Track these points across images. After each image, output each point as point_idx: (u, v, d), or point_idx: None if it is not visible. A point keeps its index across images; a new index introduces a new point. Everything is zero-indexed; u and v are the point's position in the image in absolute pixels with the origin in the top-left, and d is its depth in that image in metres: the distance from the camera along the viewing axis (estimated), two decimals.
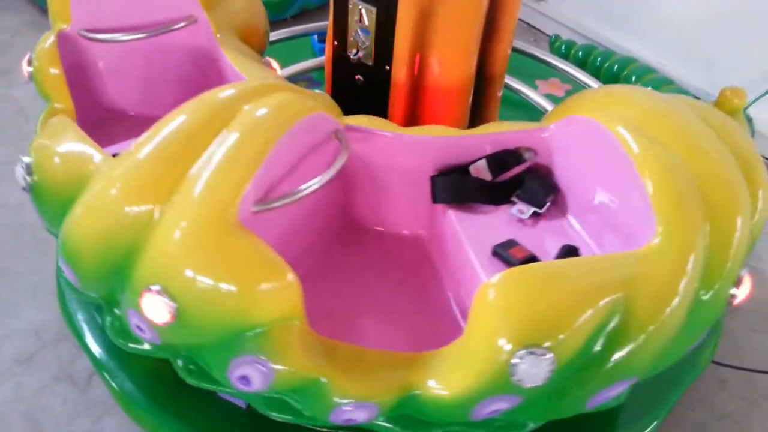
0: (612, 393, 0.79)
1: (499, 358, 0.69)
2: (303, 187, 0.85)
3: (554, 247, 0.92)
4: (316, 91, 1.07)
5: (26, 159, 0.88)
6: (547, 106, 1.52)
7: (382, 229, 1.06)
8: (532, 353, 0.67)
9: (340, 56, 1.09)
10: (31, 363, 1.26)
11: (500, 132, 0.98)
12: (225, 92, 0.87)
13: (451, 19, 0.98)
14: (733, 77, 1.86)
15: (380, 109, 1.11)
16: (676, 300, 0.73)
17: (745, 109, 1.75)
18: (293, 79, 1.62)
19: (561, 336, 0.68)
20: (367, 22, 1.01)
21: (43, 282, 1.37)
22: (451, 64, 1.04)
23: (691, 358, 1.10)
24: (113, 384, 1.06)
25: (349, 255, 1.02)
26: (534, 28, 2.42)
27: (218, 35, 1.14)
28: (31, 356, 1.27)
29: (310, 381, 0.75)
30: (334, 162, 0.91)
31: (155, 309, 0.72)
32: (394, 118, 1.11)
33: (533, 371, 0.68)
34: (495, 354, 0.69)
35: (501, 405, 0.74)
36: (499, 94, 1.23)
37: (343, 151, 0.93)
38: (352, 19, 1.03)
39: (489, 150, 0.98)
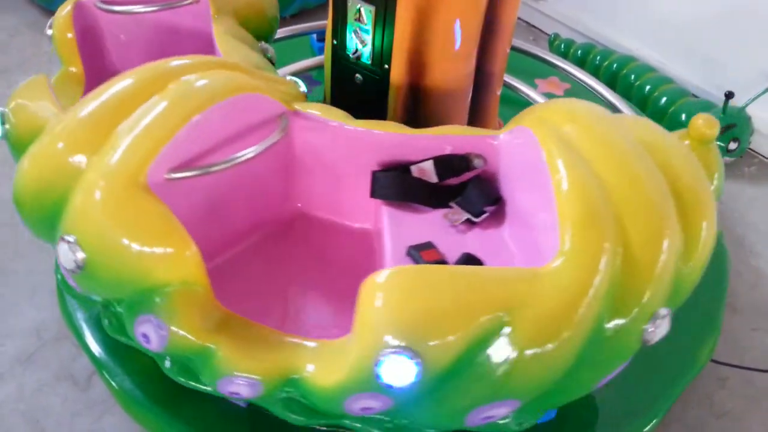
0: (495, 412, 0.76)
1: (366, 355, 0.68)
2: (220, 161, 0.87)
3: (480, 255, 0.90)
4: (290, 78, 1.07)
5: (2, 109, 0.96)
6: None
7: (335, 220, 1.06)
8: (398, 355, 0.66)
9: (339, 55, 1.10)
10: (32, 362, 1.26)
11: (452, 135, 0.96)
12: (175, 62, 0.92)
13: (450, 17, 0.98)
14: (733, 75, 1.86)
15: (379, 108, 1.11)
16: (567, 325, 0.69)
17: (744, 107, 1.75)
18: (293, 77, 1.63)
19: (432, 342, 0.67)
20: (365, 21, 1.01)
21: (43, 281, 1.37)
22: (449, 64, 1.04)
23: (689, 357, 1.10)
24: (113, 383, 1.07)
25: (293, 242, 1.03)
26: (533, 27, 2.42)
27: (216, 16, 1.16)
28: (31, 355, 1.27)
29: (201, 348, 0.77)
30: (278, 145, 0.93)
31: (68, 257, 0.77)
32: (394, 117, 1.11)
33: (398, 373, 0.67)
34: (363, 350, 0.69)
35: (371, 403, 0.74)
36: (498, 92, 1.24)
37: (276, 133, 0.93)
38: (351, 18, 1.03)
39: (437, 152, 0.97)
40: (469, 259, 0.88)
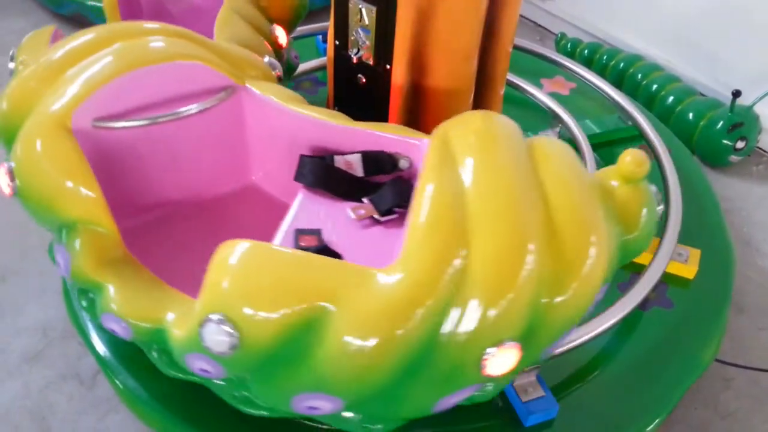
0: (319, 404, 0.76)
1: (197, 318, 0.71)
2: (146, 116, 0.96)
3: (362, 253, 0.88)
4: (267, 60, 1.09)
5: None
6: (551, 104, 1.52)
7: (278, 197, 1.10)
8: (219, 324, 0.69)
9: (341, 56, 1.10)
10: (38, 360, 1.28)
11: (382, 132, 0.96)
12: (133, 25, 1.00)
13: (451, 19, 0.98)
14: (739, 73, 1.85)
15: (381, 109, 1.11)
16: (389, 327, 0.68)
17: (752, 106, 1.74)
18: (298, 78, 1.63)
19: (250, 316, 0.69)
20: (367, 22, 1.02)
21: (50, 281, 1.39)
22: (451, 64, 1.05)
23: (692, 357, 1.09)
24: (117, 382, 1.07)
25: (236, 213, 1.07)
26: (540, 26, 2.41)
27: None
28: (38, 354, 1.29)
29: (94, 282, 0.86)
30: (225, 118, 0.99)
31: (4, 182, 0.91)
32: (395, 118, 1.11)
33: (216, 339, 0.70)
34: (197, 313, 0.72)
35: (205, 366, 0.76)
36: (501, 92, 1.23)
37: (209, 100, 0.98)
38: (353, 19, 1.03)
39: (370, 147, 0.97)
40: (324, 250, 0.87)
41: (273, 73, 1.06)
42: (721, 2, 1.86)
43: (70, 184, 0.87)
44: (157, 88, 0.95)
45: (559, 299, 0.73)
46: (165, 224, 1.07)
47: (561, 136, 1.50)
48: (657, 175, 1.34)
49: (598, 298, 0.79)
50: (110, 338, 1.11)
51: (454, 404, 0.82)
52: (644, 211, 0.79)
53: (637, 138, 1.49)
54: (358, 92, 1.13)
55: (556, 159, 0.79)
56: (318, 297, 0.69)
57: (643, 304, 1.15)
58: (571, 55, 2.14)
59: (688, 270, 1.21)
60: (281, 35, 1.27)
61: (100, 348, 1.11)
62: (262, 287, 0.70)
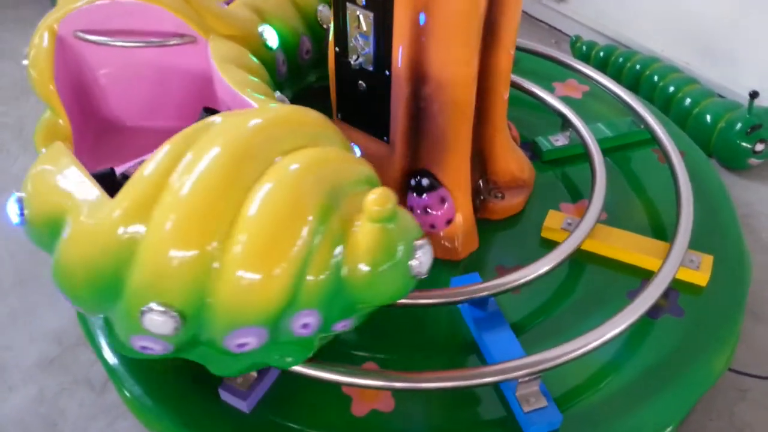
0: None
1: None
2: (125, 41, 1.11)
3: None
4: (263, 27, 1.18)
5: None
6: (561, 108, 1.50)
7: None
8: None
9: (341, 62, 1.10)
10: (53, 367, 1.30)
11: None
12: None
13: (447, 24, 0.98)
14: (759, 74, 1.80)
15: (383, 114, 1.11)
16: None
17: None
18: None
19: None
20: (365, 28, 1.02)
21: None
22: (450, 69, 1.04)
23: (703, 365, 1.06)
24: (125, 391, 1.09)
25: None
26: (555, 29, 2.39)
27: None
28: (52, 360, 1.31)
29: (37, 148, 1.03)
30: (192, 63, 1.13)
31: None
32: (397, 123, 1.10)
33: None
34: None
35: None
36: (506, 95, 1.22)
37: (164, 40, 1.12)
38: (351, 25, 1.03)
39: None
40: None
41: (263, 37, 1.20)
42: (739, 3, 1.82)
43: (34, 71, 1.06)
44: (132, 21, 1.10)
45: (219, 295, 0.74)
46: (119, 142, 1.20)
47: (571, 140, 1.48)
48: (669, 179, 1.31)
49: (297, 323, 0.77)
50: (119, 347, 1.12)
51: (143, 349, 0.81)
52: (379, 252, 0.75)
53: (650, 141, 1.46)
54: (360, 99, 1.13)
55: (284, 174, 0.76)
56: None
57: (653, 312, 1.12)
58: (586, 57, 2.12)
59: (700, 277, 1.17)
60: (270, 36, 1.24)
61: (109, 357, 1.13)
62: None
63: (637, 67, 1.97)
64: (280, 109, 0.87)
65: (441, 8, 0.96)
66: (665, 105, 1.86)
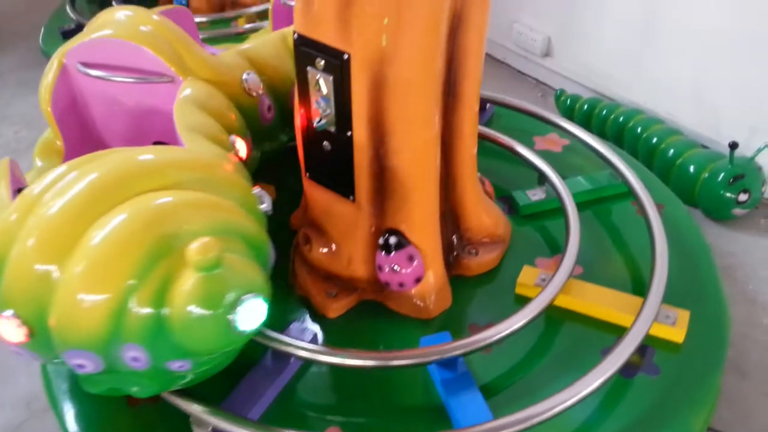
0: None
1: None
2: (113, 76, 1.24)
3: None
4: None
5: None
6: (538, 163, 1.49)
7: None
8: None
9: (306, 123, 1.11)
10: None
11: None
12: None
13: (404, 86, 0.99)
14: (742, 125, 1.80)
15: (348, 174, 1.11)
16: None
17: (754, 157, 1.69)
18: None
19: None
20: (325, 91, 1.03)
21: None
22: (411, 129, 1.04)
23: (679, 426, 1.02)
24: None
25: None
26: (541, 83, 2.42)
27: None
28: (18, 426, 1.29)
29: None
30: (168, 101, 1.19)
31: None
32: (361, 182, 1.11)
33: None
34: None
35: None
36: (473, 151, 1.22)
37: (148, 78, 1.23)
38: (312, 88, 1.05)
39: None
40: None
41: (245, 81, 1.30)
42: (721, 55, 1.84)
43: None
44: (122, 57, 1.22)
45: (54, 313, 0.80)
46: None
47: (549, 194, 1.48)
48: (645, 233, 1.29)
49: (127, 355, 0.81)
50: (82, 414, 1.10)
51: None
52: (194, 299, 0.77)
53: (629, 194, 1.45)
54: (326, 159, 1.13)
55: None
56: None
57: (628, 371, 1.09)
58: (570, 110, 2.14)
59: (676, 333, 1.14)
60: (241, 147, 1.24)
61: (71, 425, 1.10)
62: None
63: (621, 119, 1.98)
64: (173, 150, 0.97)
65: (398, 71, 0.97)
66: (649, 156, 1.87)
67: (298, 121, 1.13)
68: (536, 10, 2.34)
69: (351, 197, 1.14)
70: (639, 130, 1.92)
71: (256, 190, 1.01)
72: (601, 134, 2.04)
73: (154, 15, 1.28)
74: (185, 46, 1.24)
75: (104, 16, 1.29)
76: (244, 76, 1.30)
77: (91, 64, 1.26)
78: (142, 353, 0.81)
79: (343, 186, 1.14)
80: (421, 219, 1.16)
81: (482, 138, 1.66)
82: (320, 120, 1.07)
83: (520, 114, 1.72)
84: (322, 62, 1.00)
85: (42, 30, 2.77)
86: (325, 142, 1.11)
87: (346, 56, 0.97)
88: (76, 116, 1.31)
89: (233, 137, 1.16)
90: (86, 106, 1.32)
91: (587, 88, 2.24)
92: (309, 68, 1.03)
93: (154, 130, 1.29)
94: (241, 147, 1.18)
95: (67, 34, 2.65)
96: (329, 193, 1.18)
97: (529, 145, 1.69)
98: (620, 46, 2.10)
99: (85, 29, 1.29)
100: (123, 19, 1.26)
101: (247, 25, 2.32)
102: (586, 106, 2.09)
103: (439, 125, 1.09)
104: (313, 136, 1.12)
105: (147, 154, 0.92)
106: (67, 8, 2.73)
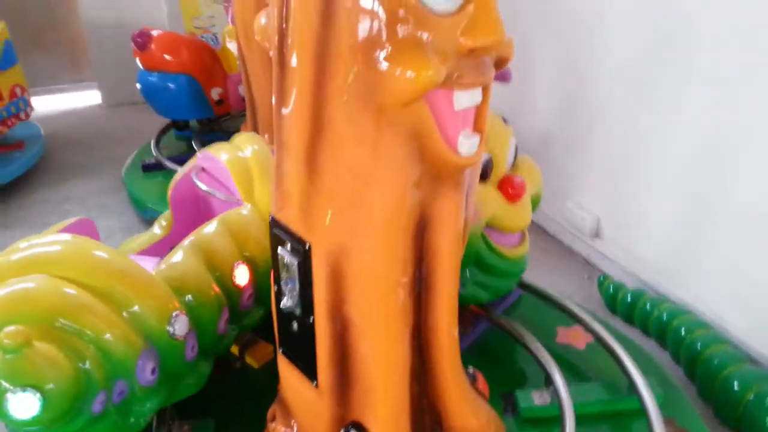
0: None
1: None
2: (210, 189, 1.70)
3: None
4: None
5: None
6: (548, 364, 1.38)
7: None
8: None
9: (278, 301, 1.09)
10: None
11: None
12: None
13: (363, 280, 0.95)
14: None
15: (311, 358, 1.06)
16: None
17: None
18: None
19: None
20: (292, 273, 1.01)
21: None
22: (372, 321, 0.99)
23: None
24: None
25: None
26: (590, 263, 2.31)
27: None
28: None
29: None
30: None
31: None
32: (322, 368, 1.05)
33: None
34: None
35: None
36: (454, 343, 1.12)
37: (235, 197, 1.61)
38: (282, 269, 1.03)
39: None
40: None
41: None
42: None
43: None
44: (224, 176, 1.65)
45: None
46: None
47: (552, 400, 1.34)
48: None
49: None
50: None
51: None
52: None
53: (639, 413, 1.30)
54: (294, 339, 1.10)
55: None
56: None
57: None
58: (613, 298, 2.01)
59: None
60: (241, 274, 1.28)
61: None
62: None
63: (664, 316, 1.82)
64: (101, 249, 1.18)
65: (357, 266, 0.94)
66: (691, 363, 1.69)
67: (273, 297, 1.11)
68: (587, 188, 2.30)
69: (314, 382, 1.08)
70: (683, 332, 1.75)
71: (175, 312, 1.16)
72: (644, 329, 1.88)
73: (249, 151, 1.66)
74: (261, 181, 1.55)
75: (240, 137, 1.74)
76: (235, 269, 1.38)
77: (207, 170, 1.73)
78: None
79: (308, 370, 1.09)
80: (387, 413, 1.07)
81: (493, 325, 1.58)
82: (287, 300, 1.04)
83: (543, 303, 1.64)
84: (289, 245, 0.99)
85: (128, 161, 3.04)
86: (294, 323, 1.08)
87: (307, 245, 0.96)
88: (188, 201, 1.74)
89: (238, 263, 1.32)
90: (196, 197, 1.75)
91: (634, 276, 2.11)
92: (280, 247, 1.02)
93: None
94: (242, 274, 1.33)
95: (148, 168, 2.88)
96: (299, 374, 1.13)
97: (551, 336, 1.59)
98: (669, 236, 1.99)
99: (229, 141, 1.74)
100: (237, 145, 1.69)
101: None
102: (629, 297, 1.96)
103: (409, 317, 1.03)
104: (283, 315, 1.09)
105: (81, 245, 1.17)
106: (152, 145, 2.99)
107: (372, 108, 0.81)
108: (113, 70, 4.06)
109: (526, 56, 2.47)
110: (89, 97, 4.45)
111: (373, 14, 0.78)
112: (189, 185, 1.75)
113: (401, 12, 0.78)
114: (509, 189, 1.44)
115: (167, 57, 2.88)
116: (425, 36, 0.79)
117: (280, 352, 1.17)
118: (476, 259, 1.44)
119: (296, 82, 0.86)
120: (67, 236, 1.20)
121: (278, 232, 1.01)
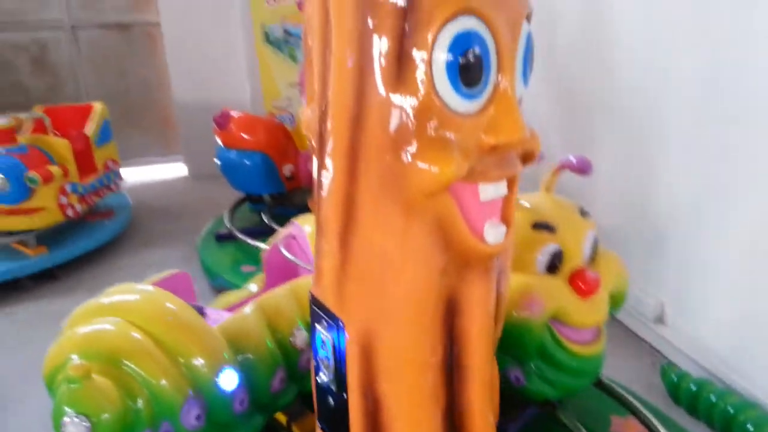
0: None
1: None
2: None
3: None
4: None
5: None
6: None
7: None
8: None
9: (316, 375, 1.13)
10: None
11: None
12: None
13: (393, 361, 0.98)
14: None
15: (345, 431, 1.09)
16: None
17: None
18: None
19: None
20: (328, 350, 1.06)
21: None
22: (403, 402, 1.02)
23: None
24: None
25: None
26: (655, 349, 2.23)
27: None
28: None
29: None
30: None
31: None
32: None
33: None
34: None
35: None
36: (489, 427, 1.13)
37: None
38: (320, 346, 1.08)
39: None
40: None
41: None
42: None
43: None
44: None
45: None
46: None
47: None
48: None
49: None
50: None
51: None
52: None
53: None
54: (331, 412, 1.13)
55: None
56: None
57: None
58: (676, 388, 1.92)
59: None
60: (299, 337, 1.35)
61: None
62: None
63: (730, 410, 1.73)
64: (179, 309, 1.31)
65: (387, 349, 0.98)
66: None
67: (312, 371, 1.16)
68: (651, 273, 2.24)
69: None
70: (750, 427, 1.65)
71: (224, 366, 1.28)
72: (709, 422, 1.79)
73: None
74: None
75: None
76: (295, 331, 1.44)
77: (297, 238, 1.89)
78: None
79: None
80: None
81: (542, 411, 1.54)
82: (324, 375, 1.09)
83: (599, 393, 1.59)
84: (325, 323, 1.05)
85: (203, 231, 3.22)
86: (330, 398, 1.12)
87: (341, 323, 1.00)
88: (279, 264, 1.86)
89: (298, 327, 1.42)
90: (286, 261, 1.88)
91: (699, 366, 2.01)
92: (317, 325, 1.08)
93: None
94: (301, 337, 1.43)
95: (221, 238, 3.04)
96: None
97: (605, 425, 1.54)
98: (736, 325, 1.90)
99: None
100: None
101: None
102: (693, 387, 1.87)
103: (441, 397, 1.05)
104: (321, 390, 1.13)
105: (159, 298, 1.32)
106: (225, 216, 3.17)
107: (399, 200, 0.87)
108: (199, 145, 4.37)
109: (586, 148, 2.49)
110: (176, 170, 4.80)
111: (401, 115, 0.85)
112: (280, 250, 1.92)
113: (428, 114, 0.85)
114: (580, 283, 1.38)
115: (244, 136, 3.09)
116: (450, 134, 0.85)
117: (318, 426, 1.21)
118: (541, 352, 1.38)
119: (331, 172, 0.94)
120: (149, 287, 1.36)
121: (315, 308, 1.07)
